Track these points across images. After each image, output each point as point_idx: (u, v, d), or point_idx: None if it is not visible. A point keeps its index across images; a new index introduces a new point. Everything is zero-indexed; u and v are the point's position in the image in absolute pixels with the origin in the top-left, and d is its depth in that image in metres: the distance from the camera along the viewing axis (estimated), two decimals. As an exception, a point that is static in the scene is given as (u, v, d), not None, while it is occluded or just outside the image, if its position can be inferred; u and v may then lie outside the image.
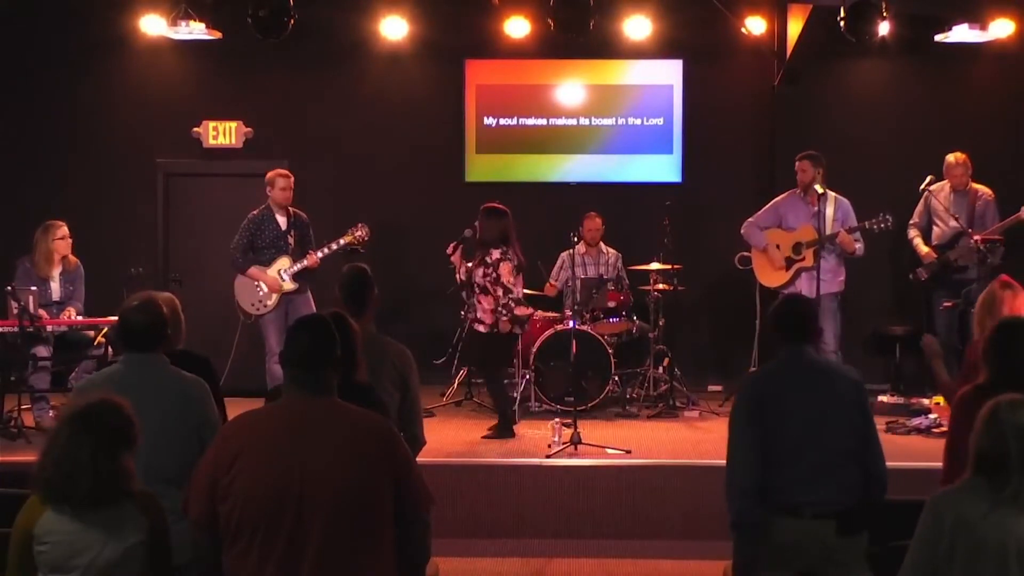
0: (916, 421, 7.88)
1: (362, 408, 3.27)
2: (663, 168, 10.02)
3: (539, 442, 7.33)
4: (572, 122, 10.06)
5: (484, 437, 7.58)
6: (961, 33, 9.04)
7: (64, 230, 8.04)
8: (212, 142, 9.99)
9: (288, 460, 3.04)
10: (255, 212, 8.15)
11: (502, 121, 10.05)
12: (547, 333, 8.47)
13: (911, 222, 8.78)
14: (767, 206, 8.52)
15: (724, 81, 10.03)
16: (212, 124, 9.97)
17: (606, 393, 8.46)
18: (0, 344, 7.52)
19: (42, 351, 7.67)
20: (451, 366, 9.18)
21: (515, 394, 8.37)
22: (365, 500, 3.06)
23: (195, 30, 9.07)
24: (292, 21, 8.40)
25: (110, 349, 7.36)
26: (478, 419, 8.06)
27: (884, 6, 8.34)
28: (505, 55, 9.83)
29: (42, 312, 7.62)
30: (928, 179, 8.49)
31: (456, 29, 9.68)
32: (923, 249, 8.66)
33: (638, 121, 10.02)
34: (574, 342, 7.83)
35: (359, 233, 8.17)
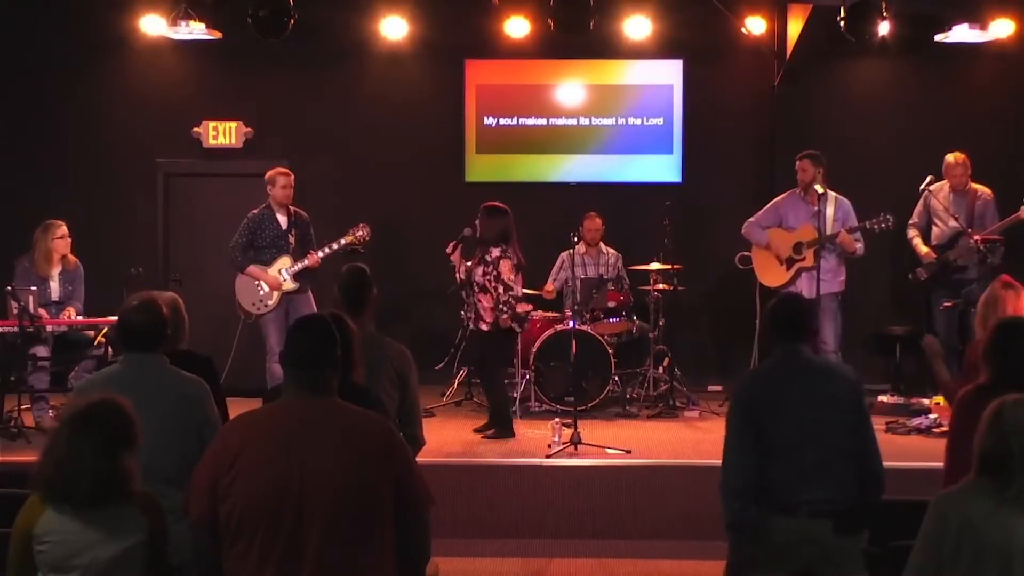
0: (916, 421, 7.88)
1: (362, 408, 3.27)
2: (663, 168, 10.02)
3: (539, 442, 7.33)
4: (572, 122, 10.06)
5: (485, 437, 7.58)
6: (961, 33, 9.04)
7: (63, 229, 8.04)
8: (212, 142, 9.99)
9: (288, 460, 3.04)
10: (255, 211, 8.15)
11: (502, 121, 10.05)
12: (547, 333, 8.47)
13: (910, 222, 8.78)
14: (767, 206, 8.53)
15: (724, 81, 10.03)
16: (212, 124, 9.97)
17: (606, 393, 8.45)
18: (0, 344, 7.52)
19: (41, 351, 7.67)
20: (451, 366, 9.17)
21: (515, 394, 8.37)
22: (365, 500, 3.06)
23: (195, 30, 9.07)
24: (292, 21, 8.41)
25: (110, 349, 7.35)
26: (478, 419, 8.06)
27: (884, 6, 8.36)
28: (505, 55, 9.83)
29: (42, 312, 7.63)
30: (928, 179, 8.49)
31: (456, 29, 9.68)
32: (922, 249, 8.65)
33: (638, 121, 10.02)
34: (574, 342, 7.83)
35: (360, 233, 8.17)
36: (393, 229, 9.57)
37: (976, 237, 8.15)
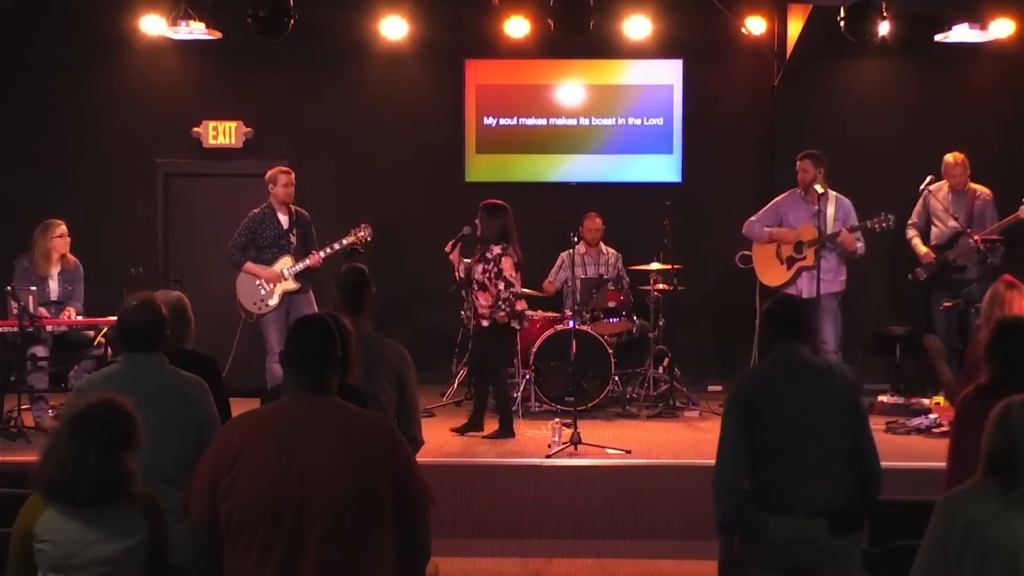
0: (916, 421, 7.88)
1: (362, 408, 3.27)
2: (663, 168, 10.02)
3: (539, 442, 7.33)
4: (572, 122, 10.06)
5: (484, 437, 7.59)
6: (961, 33, 9.04)
7: (63, 229, 8.04)
8: (212, 142, 9.99)
9: (288, 460, 3.04)
10: (256, 210, 8.15)
11: (502, 121, 10.05)
12: (547, 333, 8.47)
13: (909, 222, 8.78)
14: (768, 205, 8.53)
15: (724, 81, 10.03)
16: (212, 124, 9.97)
17: (606, 393, 8.45)
18: (0, 344, 7.52)
19: (40, 351, 7.67)
20: (451, 366, 9.16)
21: (515, 394, 8.37)
22: (366, 500, 3.06)
23: (195, 30, 9.08)
24: (292, 21, 8.43)
25: (110, 349, 7.35)
26: (478, 419, 8.06)
27: (884, 6, 8.37)
28: (505, 55, 9.83)
29: (42, 311, 7.63)
30: (928, 179, 8.50)
31: (456, 29, 9.68)
32: (922, 249, 8.65)
33: (638, 121, 10.02)
34: (574, 342, 7.83)
35: (362, 234, 8.16)
36: (393, 229, 9.57)
37: (975, 237, 8.16)
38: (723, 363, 9.81)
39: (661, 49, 9.70)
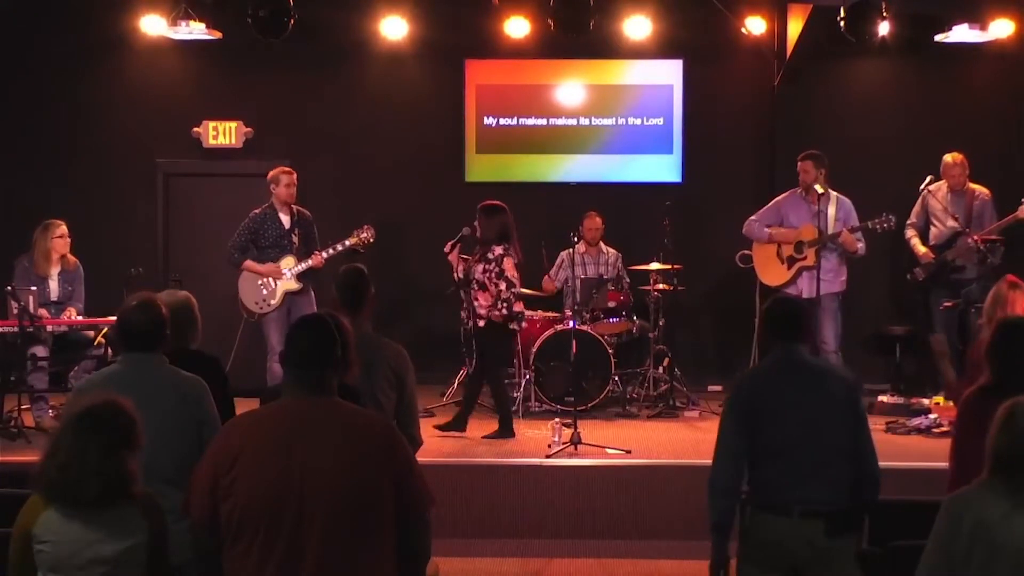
0: (916, 421, 7.87)
1: (363, 408, 3.27)
2: (663, 168, 10.02)
3: (539, 442, 7.33)
4: (572, 122, 10.06)
5: (484, 437, 7.58)
6: (961, 33, 9.05)
7: (63, 229, 8.04)
8: (212, 142, 9.99)
9: (289, 460, 3.04)
10: (257, 211, 8.15)
11: (502, 121, 10.05)
12: (547, 333, 8.48)
13: (908, 222, 8.78)
14: (768, 205, 8.53)
15: (724, 81, 10.03)
16: (212, 124, 9.97)
17: (606, 393, 8.45)
18: (0, 344, 7.52)
19: (40, 351, 7.67)
20: (451, 366, 9.16)
21: (516, 394, 8.37)
22: (366, 500, 3.06)
23: (195, 30, 9.08)
24: (292, 21, 8.43)
25: (110, 349, 7.35)
26: (478, 419, 8.05)
27: (884, 6, 8.37)
28: (505, 55, 9.83)
29: (43, 312, 7.63)
30: (928, 179, 8.50)
31: (456, 29, 9.68)
32: (920, 249, 8.65)
33: (638, 121, 10.02)
34: (574, 342, 7.83)
35: (365, 235, 8.17)
36: (393, 229, 9.56)
37: (975, 237, 8.16)
38: (723, 363, 9.81)
39: (661, 49, 9.70)
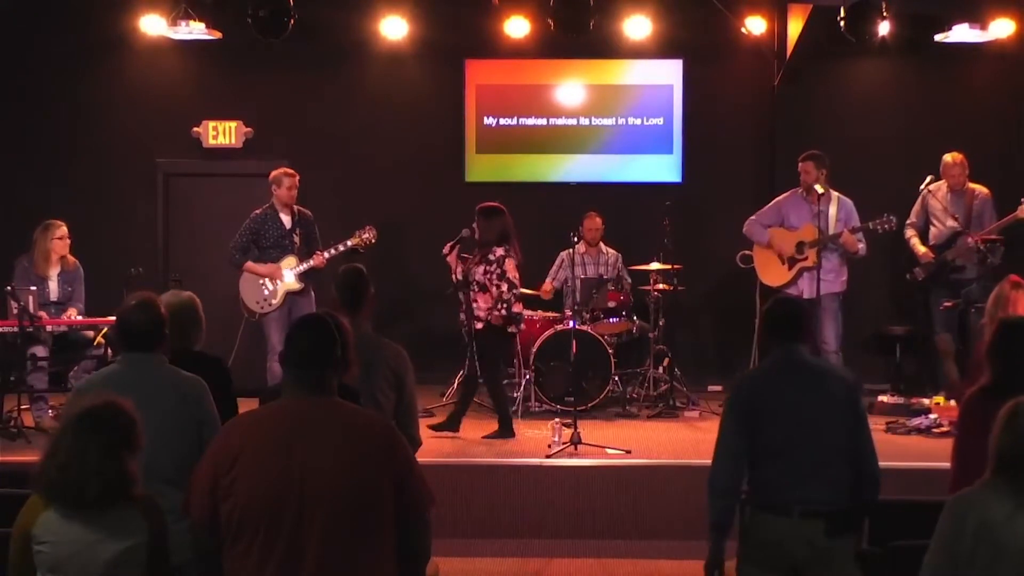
0: (916, 421, 7.86)
1: (363, 408, 3.27)
2: (663, 168, 10.02)
3: (539, 442, 7.33)
4: (572, 122, 10.06)
5: (484, 437, 7.57)
6: (961, 33, 9.05)
7: (63, 230, 8.04)
8: (212, 142, 9.99)
9: (289, 460, 3.04)
10: (258, 211, 8.15)
11: (502, 121, 10.05)
12: (547, 333, 8.48)
13: (908, 222, 8.77)
14: (769, 205, 8.53)
15: (724, 81, 10.03)
16: (212, 124, 9.97)
17: (606, 393, 8.45)
18: (0, 344, 7.53)
19: (40, 351, 7.67)
20: (450, 366, 9.16)
21: (515, 394, 8.37)
22: (366, 500, 3.06)
23: (195, 30, 9.08)
24: (292, 21, 8.43)
25: (109, 349, 7.35)
26: (478, 419, 8.05)
27: (884, 6, 8.37)
28: (505, 55, 9.83)
29: (42, 312, 7.62)
30: (928, 179, 8.50)
31: (456, 29, 9.68)
32: (920, 249, 8.64)
33: (638, 121, 10.02)
34: (574, 342, 7.82)
35: (366, 235, 8.17)
36: (393, 229, 9.56)
37: (975, 237, 8.15)
38: (723, 363, 9.81)
39: (661, 49, 9.70)
